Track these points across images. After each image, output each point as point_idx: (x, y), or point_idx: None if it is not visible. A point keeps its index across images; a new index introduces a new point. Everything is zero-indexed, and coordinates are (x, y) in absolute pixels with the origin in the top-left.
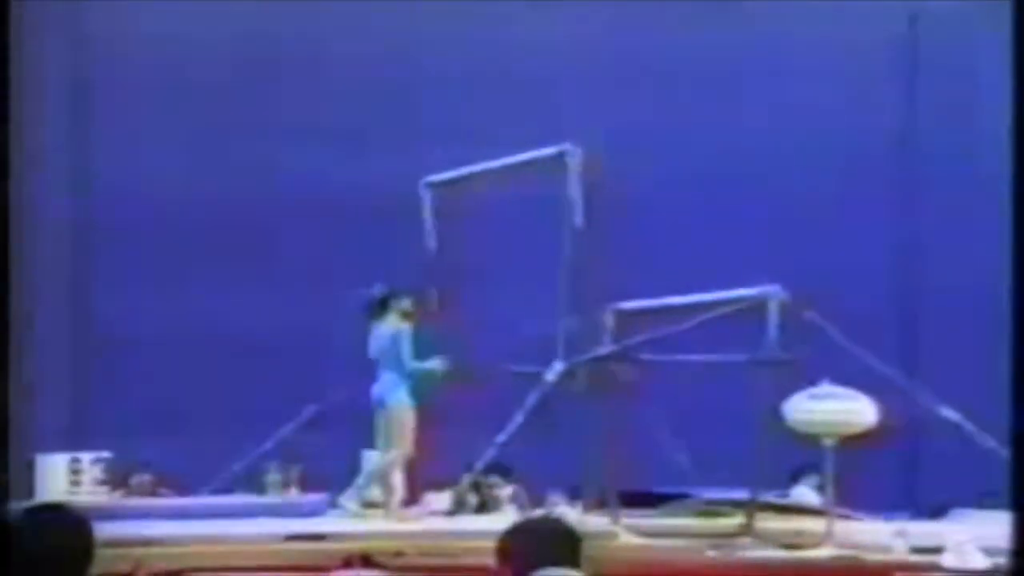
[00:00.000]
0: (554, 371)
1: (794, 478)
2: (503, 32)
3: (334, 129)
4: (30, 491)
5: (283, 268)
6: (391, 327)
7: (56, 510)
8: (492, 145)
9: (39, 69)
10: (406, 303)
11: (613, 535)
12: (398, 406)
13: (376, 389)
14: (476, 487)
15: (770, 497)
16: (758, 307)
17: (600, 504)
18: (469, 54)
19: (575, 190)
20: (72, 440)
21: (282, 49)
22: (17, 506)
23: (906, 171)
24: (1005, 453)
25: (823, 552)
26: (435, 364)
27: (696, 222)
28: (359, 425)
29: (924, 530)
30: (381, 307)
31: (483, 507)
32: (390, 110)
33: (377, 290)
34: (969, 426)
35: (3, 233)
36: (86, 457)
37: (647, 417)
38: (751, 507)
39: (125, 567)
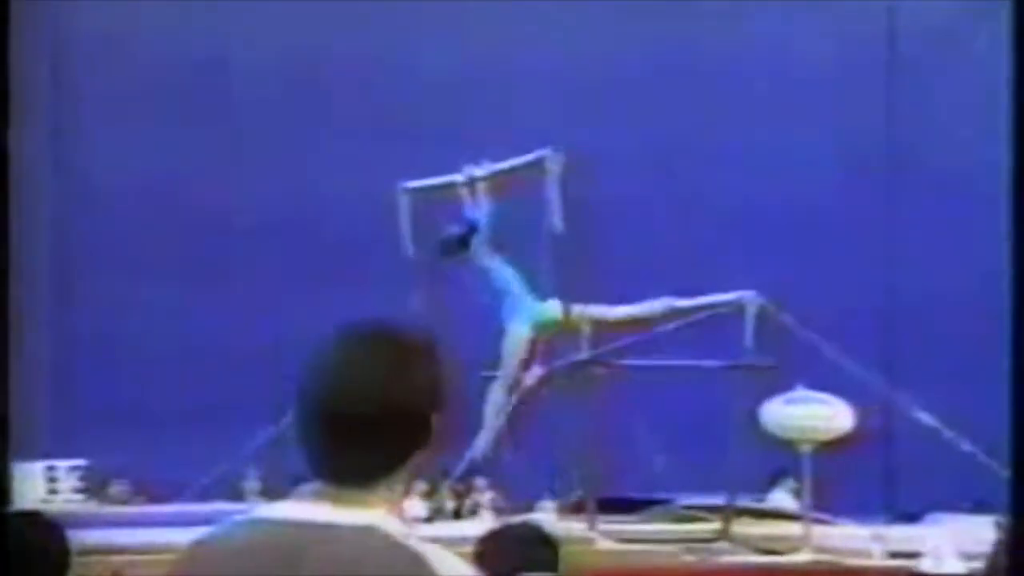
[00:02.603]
0: (532, 376)
1: (771, 483)
2: (485, 38)
3: (317, 135)
4: (6, 499)
5: (264, 272)
6: (483, 264)
7: (30, 517)
8: (472, 150)
9: (28, 67)
10: (485, 236)
11: (590, 540)
12: (511, 333)
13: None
14: (454, 493)
15: (747, 502)
16: (735, 312)
17: (577, 509)
18: (448, 61)
19: (554, 195)
20: (47, 447)
21: (268, 52)
22: None
23: (885, 176)
24: (982, 458)
25: (800, 557)
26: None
27: (675, 228)
28: None
29: (901, 535)
30: (461, 245)
31: (460, 513)
32: (369, 118)
33: (456, 229)
34: (946, 431)
35: (3, 233)
36: (62, 465)
37: (625, 422)
38: (728, 512)
39: (103, 575)
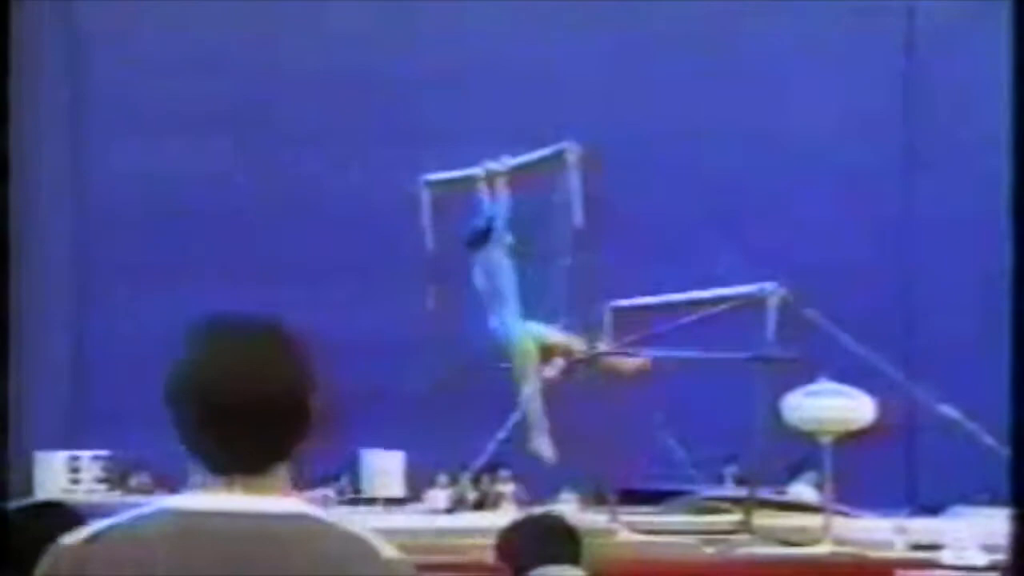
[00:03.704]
0: (554, 368)
1: (792, 475)
2: (503, 31)
3: (332, 130)
4: (29, 488)
5: (280, 266)
6: (494, 262)
7: (53, 507)
8: (493, 144)
9: (37, 68)
10: (508, 238)
11: (612, 532)
12: (517, 342)
13: (497, 329)
14: (476, 484)
15: (768, 494)
16: (757, 304)
17: (599, 501)
18: (466, 54)
19: (575, 187)
20: (70, 438)
21: (279, 49)
22: (14, 503)
23: (905, 167)
24: (1004, 451)
25: (822, 549)
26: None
27: (696, 220)
28: (355, 423)
29: (923, 527)
30: (484, 238)
31: (482, 504)
32: (387, 111)
33: (479, 222)
34: (967, 423)
35: (3, 233)
36: (85, 455)
37: (646, 414)
38: (749, 504)
39: None
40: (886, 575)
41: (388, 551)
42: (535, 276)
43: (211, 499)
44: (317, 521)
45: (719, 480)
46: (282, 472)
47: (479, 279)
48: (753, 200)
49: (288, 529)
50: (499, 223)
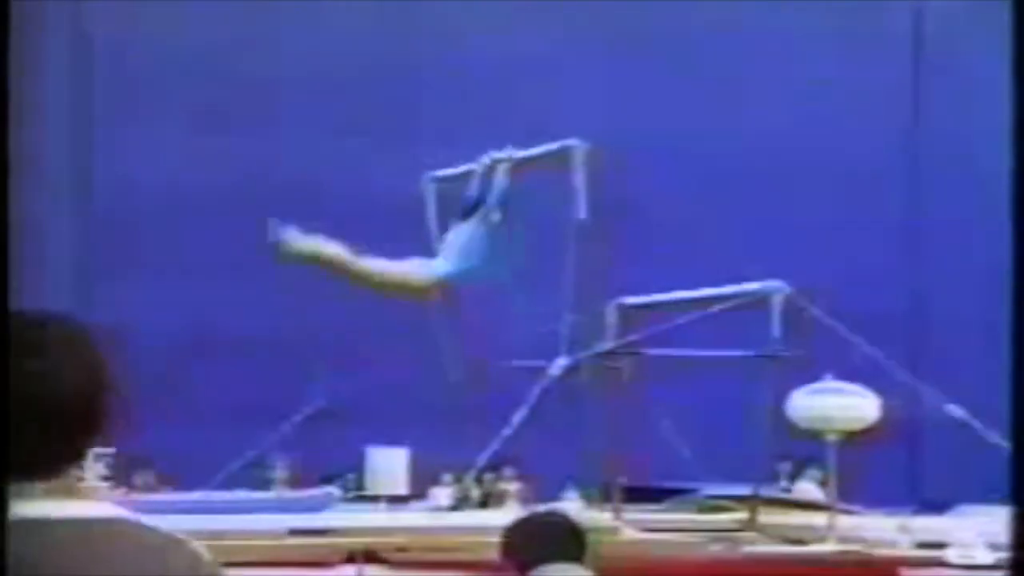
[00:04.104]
0: (558, 366)
1: (797, 473)
2: (504, 30)
3: (335, 127)
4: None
5: (282, 265)
6: (470, 230)
7: None
8: (493, 143)
9: (39, 68)
10: (495, 216)
11: (616, 530)
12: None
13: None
14: (480, 482)
15: (773, 492)
16: (762, 302)
17: (603, 498)
18: (467, 53)
19: (579, 185)
20: None
21: (281, 48)
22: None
23: (911, 167)
24: (1007, 448)
25: (827, 547)
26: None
27: (700, 217)
28: (362, 420)
29: (928, 525)
30: (472, 210)
31: (486, 502)
32: (387, 110)
33: (472, 195)
34: (973, 422)
35: (3, 232)
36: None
37: (650, 412)
38: (754, 502)
39: None
40: (891, 574)
41: (207, 553)
42: (540, 272)
43: (22, 507)
44: (135, 525)
45: (792, 479)
46: (71, 473)
47: (447, 237)
48: (757, 199)
49: (109, 534)
50: (491, 199)
